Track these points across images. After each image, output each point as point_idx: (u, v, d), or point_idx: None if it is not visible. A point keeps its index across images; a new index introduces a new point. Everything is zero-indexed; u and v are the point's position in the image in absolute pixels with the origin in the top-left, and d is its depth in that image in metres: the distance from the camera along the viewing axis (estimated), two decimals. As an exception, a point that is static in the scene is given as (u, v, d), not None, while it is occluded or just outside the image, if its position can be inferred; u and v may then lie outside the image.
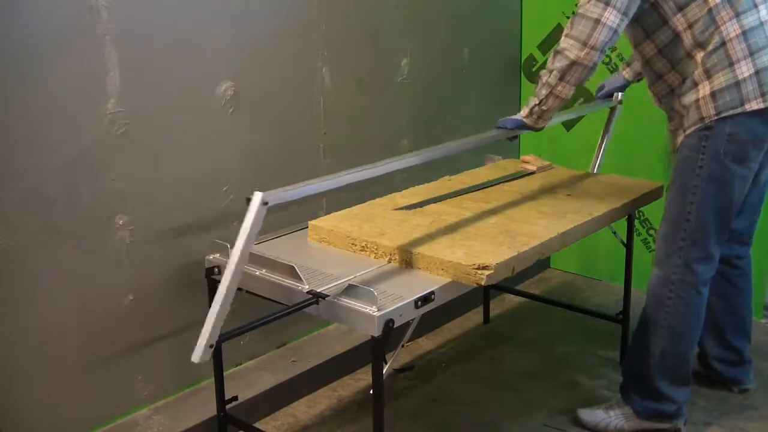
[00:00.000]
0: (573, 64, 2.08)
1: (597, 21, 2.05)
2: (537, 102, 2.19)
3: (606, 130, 2.88)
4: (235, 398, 2.27)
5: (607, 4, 2.05)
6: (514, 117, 2.28)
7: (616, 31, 2.07)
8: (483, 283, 1.88)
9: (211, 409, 2.27)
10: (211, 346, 1.67)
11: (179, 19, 2.23)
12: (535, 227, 2.19)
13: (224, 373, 2.22)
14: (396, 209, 2.35)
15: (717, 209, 2.19)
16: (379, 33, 2.88)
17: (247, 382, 2.52)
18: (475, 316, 3.27)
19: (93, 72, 2.06)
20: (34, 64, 1.94)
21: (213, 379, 2.22)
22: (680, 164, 2.22)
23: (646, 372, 2.31)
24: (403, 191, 2.57)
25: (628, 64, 2.73)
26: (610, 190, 2.58)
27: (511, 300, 3.43)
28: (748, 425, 2.45)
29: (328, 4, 2.64)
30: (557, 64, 2.12)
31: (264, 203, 1.74)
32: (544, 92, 2.16)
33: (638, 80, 2.70)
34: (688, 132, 2.18)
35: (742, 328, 2.55)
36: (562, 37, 2.13)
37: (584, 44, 2.06)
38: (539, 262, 2.36)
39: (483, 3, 3.35)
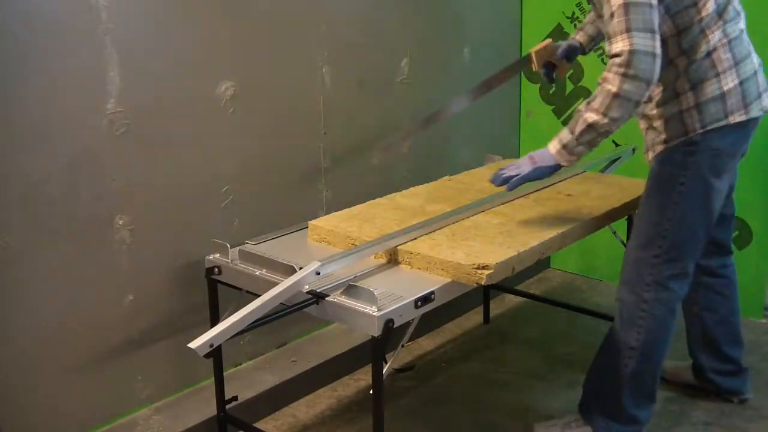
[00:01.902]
0: (637, 104, 1.95)
1: (654, 55, 1.89)
2: (587, 151, 2.05)
3: (607, 167, 2.87)
4: (235, 398, 2.27)
5: (653, 32, 1.89)
6: (548, 164, 2.08)
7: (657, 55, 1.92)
8: (483, 283, 1.88)
9: (211, 409, 2.27)
10: (211, 345, 1.67)
11: (179, 19, 2.23)
12: (535, 227, 2.19)
13: (224, 373, 2.22)
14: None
15: (696, 225, 2.13)
16: (379, 33, 2.88)
17: (247, 382, 2.52)
18: (475, 316, 3.27)
19: (93, 72, 2.06)
20: (34, 64, 1.94)
21: (213, 379, 2.22)
22: (659, 180, 2.14)
23: (612, 391, 2.23)
24: (403, 191, 2.57)
25: (581, 29, 2.50)
26: (610, 190, 2.58)
27: (511, 300, 3.43)
28: (748, 425, 2.45)
29: (328, 4, 2.64)
30: (620, 110, 1.93)
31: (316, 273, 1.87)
32: (600, 140, 2.02)
33: (591, 48, 2.51)
34: (669, 146, 2.10)
35: (735, 336, 2.51)
36: (620, 77, 1.91)
37: (649, 83, 1.91)
38: (539, 262, 2.36)
39: (483, 3, 3.35)
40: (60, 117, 2.01)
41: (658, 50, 1.89)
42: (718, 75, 2.04)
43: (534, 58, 2.38)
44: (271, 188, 2.59)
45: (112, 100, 2.10)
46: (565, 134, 2.03)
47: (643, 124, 2.23)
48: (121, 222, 2.19)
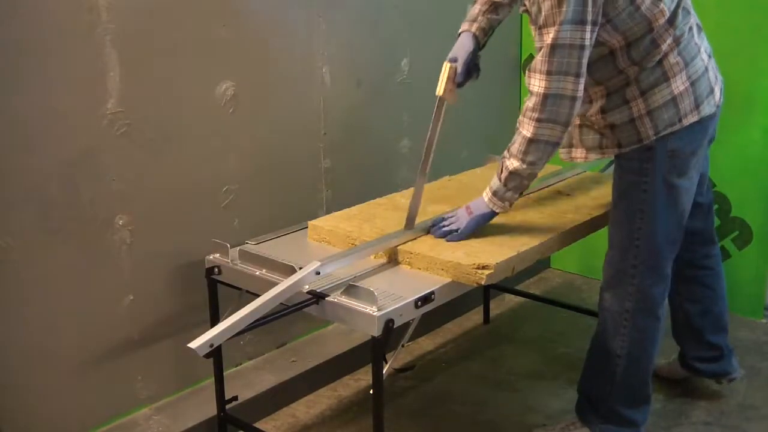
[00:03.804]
0: (556, 146, 1.97)
1: (573, 98, 1.89)
2: (518, 195, 2.07)
3: (608, 167, 2.86)
4: (235, 398, 2.27)
5: (577, 75, 1.88)
6: (484, 212, 2.08)
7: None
8: (483, 283, 1.88)
9: (211, 409, 2.27)
10: (211, 345, 1.67)
11: (179, 19, 2.23)
12: (535, 227, 2.19)
13: (224, 373, 2.22)
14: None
15: (667, 229, 2.10)
16: (379, 33, 2.88)
17: (247, 382, 2.52)
18: (475, 316, 3.27)
19: (93, 72, 2.06)
20: (34, 64, 1.94)
21: (213, 379, 2.22)
22: (622, 189, 2.11)
23: (604, 395, 2.22)
24: (403, 191, 2.57)
25: (473, 20, 2.25)
26: (610, 190, 2.57)
27: (511, 300, 3.43)
28: (748, 425, 2.45)
29: (328, 3, 2.64)
30: (537, 153, 1.95)
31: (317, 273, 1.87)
32: (527, 183, 2.04)
33: (485, 43, 2.30)
34: (623, 151, 2.06)
35: (719, 324, 2.49)
36: (534, 123, 1.91)
37: (565, 125, 1.93)
38: (539, 262, 2.36)
39: (483, 3, 3.35)
40: (60, 117, 2.01)
41: (579, 93, 1.89)
42: (668, 80, 1.99)
43: (447, 97, 2.20)
44: (271, 188, 2.59)
45: (112, 100, 2.10)
46: (494, 181, 2.06)
47: (577, 121, 2.16)
48: (121, 222, 2.19)
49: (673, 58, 1.99)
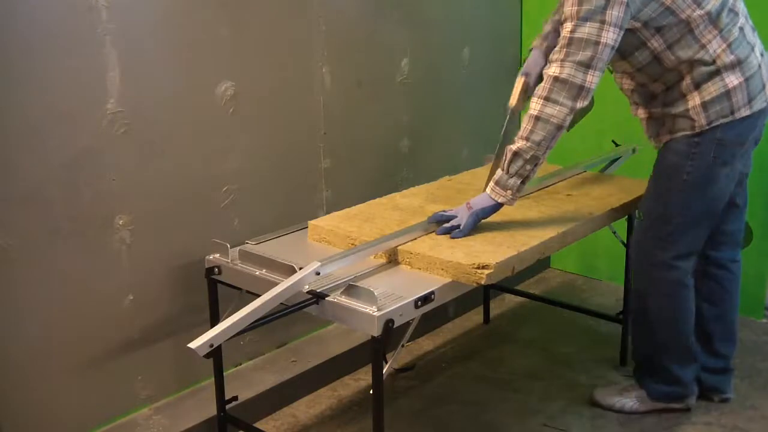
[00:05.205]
0: (559, 129, 2.04)
1: (581, 87, 2.02)
2: (521, 181, 2.08)
3: (608, 167, 2.87)
4: (235, 398, 2.27)
5: (588, 67, 2.01)
6: (485, 206, 2.11)
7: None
8: (483, 283, 1.88)
9: (211, 409, 2.27)
10: (211, 346, 1.67)
11: (179, 19, 2.23)
12: (535, 227, 2.19)
13: (224, 373, 2.22)
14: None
15: (701, 210, 2.24)
16: (379, 33, 2.88)
17: (247, 382, 2.52)
18: (475, 316, 3.27)
19: (93, 72, 2.06)
20: (34, 63, 1.94)
21: (213, 379, 2.22)
22: (665, 168, 2.25)
23: (653, 356, 2.41)
24: (403, 191, 2.57)
25: (545, 38, 2.44)
26: (610, 190, 2.58)
27: (511, 300, 3.43)
28: (749, 425, 2.45)
29: (328, 4, 2.64)
30: (541, 133, 2.02)
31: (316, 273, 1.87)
32: (529, 167, 2.06)
33: None
34: (675, 136, 2.21)
35: (730, 333, 2.54)
36: (540, 100, 2.03)
37: (570, 109, 2.03)
38: (539, 262, 2.36)
39: (483, 3, 3.35)
40: (60, 117, 2.01)
41: (591, 85, 2.02)
42: (721, 74, 2.12)
43: (518, 108, 2.38)
44: (271, 188, 2.59)
45: (112, 100, 2.10)
46: (498, 172, 2.12)
47: (643, 114, 2.33)
48: (121, 222, 2.19)
49: (726, 57, 2.10)
